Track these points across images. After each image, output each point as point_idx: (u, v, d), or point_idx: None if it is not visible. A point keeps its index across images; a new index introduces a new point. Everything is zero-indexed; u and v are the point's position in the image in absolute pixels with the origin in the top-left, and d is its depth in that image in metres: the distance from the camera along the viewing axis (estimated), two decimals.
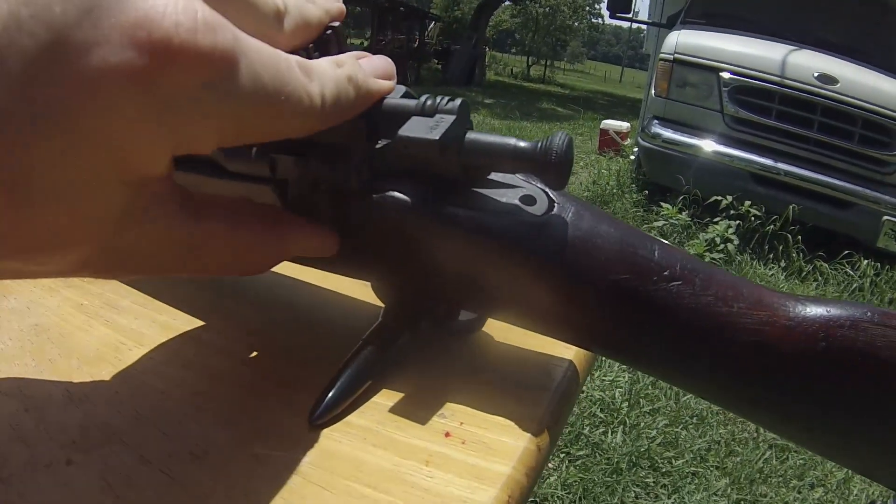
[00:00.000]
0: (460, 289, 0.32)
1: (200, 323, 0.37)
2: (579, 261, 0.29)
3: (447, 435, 0.29)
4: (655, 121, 4.18)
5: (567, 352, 0.37)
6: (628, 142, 5.90)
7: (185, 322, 0.37)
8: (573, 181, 5.35)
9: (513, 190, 0.31)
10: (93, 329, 0.36)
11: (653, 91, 4.29)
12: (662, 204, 4.01)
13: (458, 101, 0.29)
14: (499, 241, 0.29)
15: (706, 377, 0.29)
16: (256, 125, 0.23)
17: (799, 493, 1.91)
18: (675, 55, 4.05)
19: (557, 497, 1.76)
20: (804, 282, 3.54)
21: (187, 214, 0.24)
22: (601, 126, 6.60)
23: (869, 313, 0.27)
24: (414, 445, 0.28)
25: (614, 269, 0.29)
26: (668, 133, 4.07)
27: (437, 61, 16.00)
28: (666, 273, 0.28)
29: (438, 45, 16.90)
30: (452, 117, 0.28)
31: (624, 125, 6.44)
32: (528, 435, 0.30)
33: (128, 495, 0.25)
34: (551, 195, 0.31)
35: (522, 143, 0.28)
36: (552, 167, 0.27)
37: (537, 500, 1.75)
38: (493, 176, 0.31)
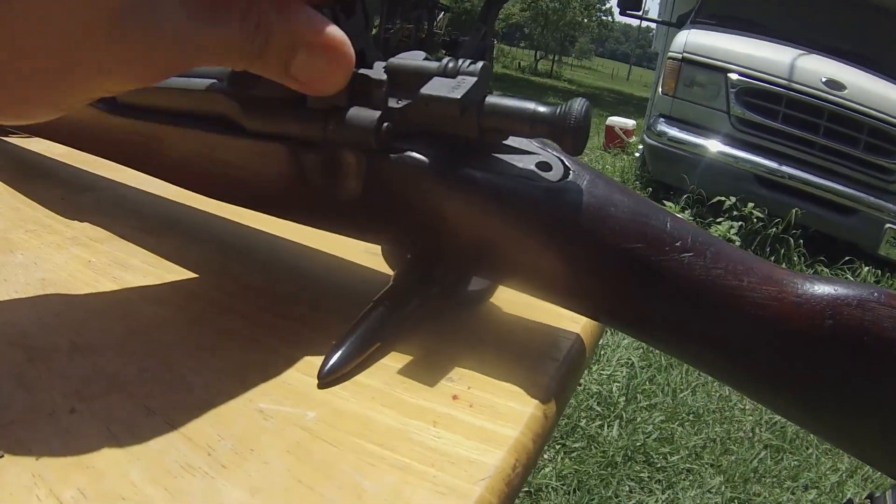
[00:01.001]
0: (474, 253, 0.32)
1: (209, 283, 0.37)
2: (593, 228, 0.29)
3: (455, 398, 0.29)
4: (662, 119, 4.18)
5: (574, 325, 0.37)
6: (633, 139, 5.90)
7: (193, 282, 0.37)
8: None
9: (529, 156, 0.31)
10: (100, 285, 0.35)
11: (660, 89, 4.28)
12: (666, 202, 4.01)
13: (479, 64, 0.29)
14: (514, 205, 0.29)
15: (714, 350, 0.29)
16: None
17: (793, 493, 1.91)
18: (684, 54, 4.04)
19: (552, 488, 1.76)
20: None
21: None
22: (607, 122, 6.59)
23: (876, 294, 0.27)
24: (422, 406, 0.28)
25: (627, 238, 0.28)
26: (673, 132, 4.07)
27: (445, 52, 15.98)
28: (678, 244, 0.28)
29: (447, 36, 16.87)
30: (474, 79, 0.28)
31: (630, 122, 6.44)
32: (536, 401, 0.30)
33: (131, 443, 0.24)
34: (567, 163, 0.31)
35: (542, 108, 0.28)
36: (570, 132, 0.27)
37: (532, 489, 1.76)
38: (511, 142, 0.31)
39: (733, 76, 3.87)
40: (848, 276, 3.55)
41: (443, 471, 0.25)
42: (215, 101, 0.33)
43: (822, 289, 0.27)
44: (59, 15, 0.19)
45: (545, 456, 1.90)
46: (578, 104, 0.27)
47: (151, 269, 0.38)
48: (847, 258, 3.61)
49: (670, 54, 4.16)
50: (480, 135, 0.29)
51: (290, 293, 0.37)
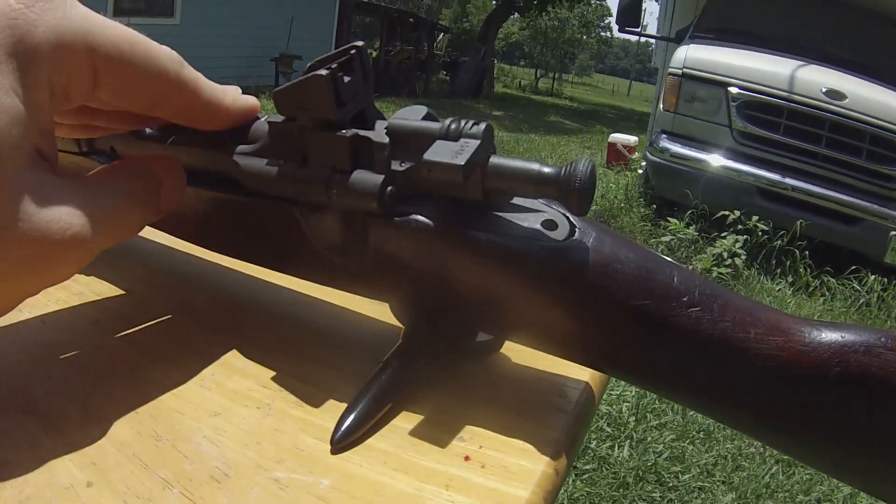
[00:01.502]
0: (480, 311, 0.32)
1: (218, 341, 0.37)
2: (600, 285, 0.29)
3: (467, 458, 0.29)
4: (664, 135, 4.19)
5: (583, 373, 0.37)
6: (636, 155, 5.91)
7: (202, 340, 0.37)
8: None
9: (535, 214, 0.31)
10: (108, 345, 0.36)
11: (661, 105, 4.30)
12: (670, 219, 4.01)
13: (482, 126, 0.29)
14: (520, 266, 0.29)
15: (722, 401, 0.29)
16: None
17: None
18: (684, 69, 4.06)
19: None
20: (811, 297, 3.54)
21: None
22: (609, 140, 6.61)
23: (883, 339, 0.27)
24: (434, 469, 0.28)
25: (634, 295, 0.29)
26: (676, 147, 4.08)
27: (445, 73, 16.08)
28: (685, 299, 0.29)
29: (447, 57, 16.99)
30: (477, 142, 0.28)
31: (632, 139, 6.45)
32: (546, 458, 0.30)
33: None
34: (573, 220, 0.31)
35: (546, 169, 0.28)
36: (575, 193, 0.27)
37: None
38: (516, 200, 0.32)
39: (734, 90, 3.89)
40: (854, 285, 3.54)
41: None
42: (218, 160, 0.34)
43: (829, 336, 0.28)
44: None
45: None
46: (583, 165, 0.27)
47: (160, 328, 0.38)
48: (853, 267, 3.61)
49: (670, 70, 4.18)
50: (485, 196, 0.29)
51: (300, 351, 0.37)
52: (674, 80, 4.12)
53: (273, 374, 0.34)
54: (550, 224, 0.30)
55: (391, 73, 12.26)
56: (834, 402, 0.27)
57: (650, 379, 0.31)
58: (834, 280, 3.60)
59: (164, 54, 0.28)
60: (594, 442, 2.08)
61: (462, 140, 0.29)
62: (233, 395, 0.32)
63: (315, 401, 0.32)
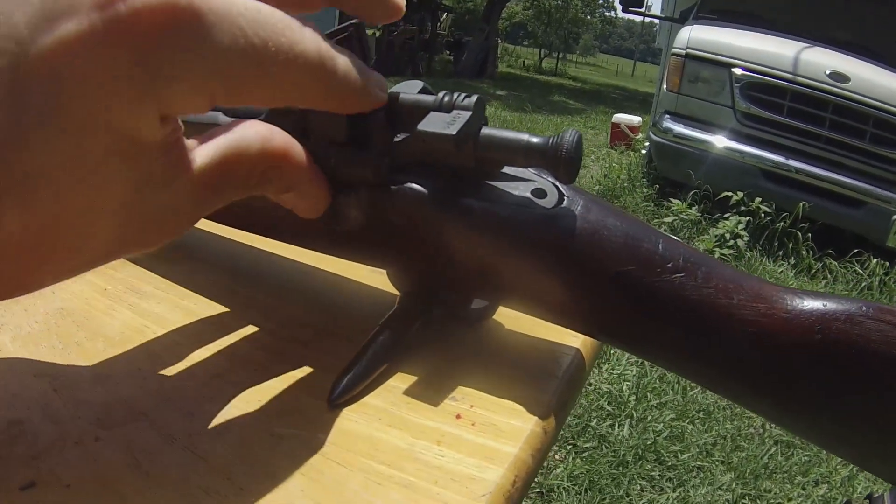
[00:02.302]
0: (473, 277, 0.33)
1: (221, 308, 0.38)
2: (587, 252, 0.30)
3: (458, 417, 0.30)
4: (667, 115, 4.18)
5: (574, 340, 0.38)
6: (640, 136, 5.89)
7: (206, 307, 0.38)
8: (584, 175, 5.35)
9: (525, 183, 0.32)
10: (116, 313, 0.37)
11: (665, 86, 4.28)
12: (673, 199, 4.01)
13: (474, 98, 0.30)
14: (510, 232, 0.31)
15: (707, 366, 0.30)
16: (246, 80, 0.22)
17: (803, 489, 1.91)
18: (688, 50, 4.04)
19: (563, 488, 1.78)
20: (813, 279, 3.54)
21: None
22: (613, 120, 6.59)
23: (864, 308, 0.28)
24: (426, 426, 0.30)
25: (620, 261, 0.30)
26: (679, 128, 4.08)
27: (448, 53, 15.99)
28: (670, 265, 0.30)
29: (450, 37, 16.89)
30: (469, 113, 0.30)
31: (636, 119, 6.43)
32: (535, 418, 0.31)
33: (155, 472, 0.26)
34: (561, 189, 0.32)
35: (534, 139, 0.29)
36: (562, 162, 0.28)
37: (543, 490, 1.77)
38: (507, 170, 0.33)
39: (737, 71, 3.87)
40: (857, 268, 3.54)
41: (446, 488, 0.26)
42: None
43: (812, 304, 0.28)
44: (82, 204, 0.21)
45: (556, 457, 1.91)
46: (570, 136, 0.29)
47: (165, 296, 0.39)
48: (855, 251, 3.60)
49: (674, 51, 4.16)
50: (477, 165, 0.31)
51: (300, 316, 0.38)
52: (677, 61, 4.11)
53: (274, 338, 0.36)
54: (540, 192, 0.31)
55: (395, 53, 12.19)
56: (816, 369, 0.28)
57: (638, 344, 0.32)
58: (836, 263, 3.60)
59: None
60: (594, 420, 2.10)
61: (455, 111, 0.30)
62: (234, 358, 0.34)
63: (314, 363, 0.34)
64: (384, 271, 0.38)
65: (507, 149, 0.29)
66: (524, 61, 22.13)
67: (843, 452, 0.31)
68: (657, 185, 4.50)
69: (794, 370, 0.28)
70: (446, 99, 0.31)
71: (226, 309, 0.38)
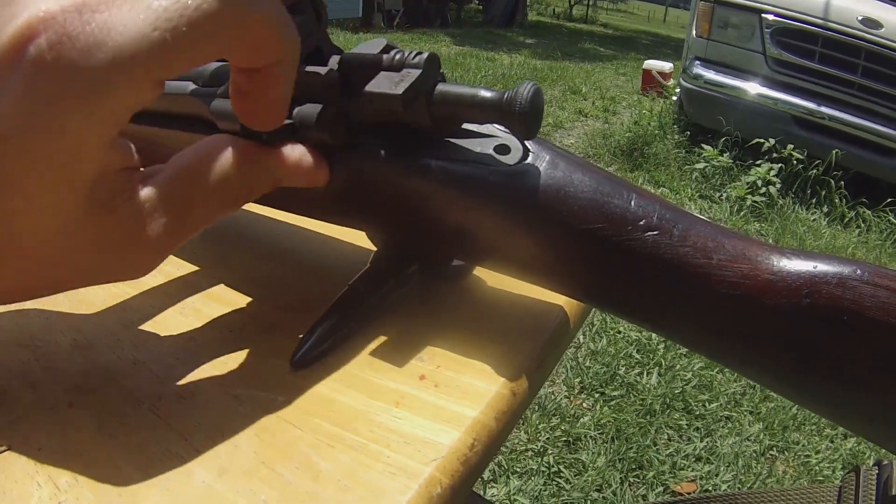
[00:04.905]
0: (442, 237, 0.33)
1: (201, 272, 0.39)
2: (552, 209, 0.29)
3: (422, 378, 0.30)
4: (697, 62, 4.10)
5: (559, 298, 0.37)
6: (671, 82, 5.78)
7: (185, 269, 0.39)
8: (615, 121, 5.27)
9: (489, 139, 0.31)
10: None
11: (694, 31, 4.18)
12: (704, 146, 3.95)
13: (424, 55, 0.30)
14: (470, 190, 0.30)
15: (692, 330, 0.29)
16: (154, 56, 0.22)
17: (832, 441, 1.90)
18: None
19: (591, 437, 1.79)
20: (846, 228, 3.48)
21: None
22: (644, 66, 6.46)
23: (859, 271, 0.26)
24: (387, 387, 0.30)
25: (588, 218, 0.29)
26: (710, 74, 4.00)
27: (477, 2, 15.71)
28: (641, 222, 0.28)
29: None
30: (418, 72, 0.29)
31: (667, 65, 6.30)
32: (503, 379, 0.30)
33: (119, 435, 0.27)
34: (527, 144, 0.31)
35: (487, 94, 0.28)
36: (517, 118, 0.28)
37: (570, 439, 1.78)
38: (471, 127, 0.32)
39: (768, 16, 3.77)
40: (891, 217, 3.47)
41: (397, 451, 0.26)
42: (192, 104, 0.35)
43: (801, 265, 0.27)
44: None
45: (584, 405, 1.92)
46: (525, 89, 0.28)
47: None
48: (889, 199, 3.52)
49: None
50: (435, 123, 0.30)
51: (281, 278, 0.39)
52: (706, 7, 4.00)
53: (250, 300, 0.36)
54: (503, 149, 0.31)
55: (423, 4, 12.03)
56: (804, 334, 0.26)
57: (617, 306, 0.31)
58: (869, 212, 3.53)
59: None
60: (623, 368, 2.11)
61: (404, 70, 0.29)
62: (209, 321, 0.34)
63: (285, 325, 0.34)
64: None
65: (461, 104, 0.29)
66: (554, 9, 21.67)
67: (844, 423, 0.29)
68: (688, 132, 4.42)
69: (780, 335, 0.27)
70: (397, 57, 0.30)
71: (202, 270, 0.39)
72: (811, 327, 0.26)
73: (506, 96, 0.28)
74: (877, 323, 0.25)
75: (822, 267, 0.27)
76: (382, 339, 0.33)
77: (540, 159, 0.30)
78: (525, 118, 0.28)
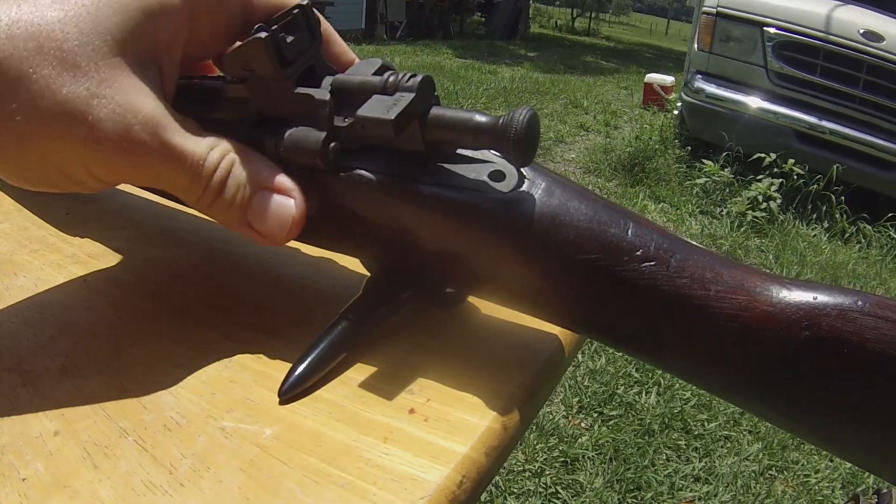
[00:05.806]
0: (435, 265, 0.33)
1: (193, 296, 0.39)
2: (547, 238, 0.28)
3: (411, 412, 0.30)
4: (699, 75, 4.12)
5: (554, 326, 0.36)
6: (672, 96, 5.79)
7: (176, 294, 0.39)
8: (616, 136, 5.28)
9: (483, 165, 0.31)
10: (94, 305, 0.37)
11: (696, 45, 4.20)
12: (705, 160, 3.95)
13: (418, 78, 0.29)
14: (464, 219, 0.29)
15: (685, 362, 0.29)
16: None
17: (831, 461, 1.89)
18: (719, 8, 3.97)
19: (589, 457, 1.78)
20: (847, 243, 3.47)
21: None
22: (645, 80, 6.48)
23: (860, 302, 0.26)
24: (376, 421, 0.29)
25: (584, 248, 0.28)
26: (711, 88, 4.02)
27: (480, 14, 15.75)
28: (638, 253, 0.28)
29: None
30: (412, 95, 0.28)
31: (668, 79, 6.32)
32: (494, 413, 0.30)
33: (104, 465, 0.27)
34: (522, 170, 0.30)
35: (482, 119, 0.28)
36: (512, 144, 0.27)
37: (568, 459, 1.77)
38: (467, 152, 0.31)
39: (770, 30, 3.79)
40: (891, 232, 3.46)
41: (383, 489, 0.26)
42: None
43: (800, 296, 0.26)
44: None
45: (582, 424, 1.91)
46: (520, 114, 0.27)
47: (141, 285, 0.40)
48: (890, 215, 3.52)
49: (704, 9, 4.08)
50: (429, 148, 0.30)
51: (271, 303, 0.38)
52: (708, 20, 4.02)
53: (240, 327, 0.36)
54: (498, 175, 0.30)
55: (425, 15, 12.06)
56: (803, 368, 0.26)
57: (612, 337, 0.30)
58: (870, 227, 3.53)
59: None
60: (621, 388, 2.10)
61: (398, 94, 0.29)
62: (198, 348, 0.34)
63: (275, 353, 0.34)
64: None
65: (455, 129, 0.28)
66: (556, 21, 21.73)
67: (843, 455, 0.29)
68: (689, 147, 4.43)
69: (779, 367, 0.26)
70: (391, 80, 0.29)
71: (196, 296, 0.39)
72: (811, 360, 0.26)
73: (500, 122, 0.27)
74: (878, 356, 0.25)
75: (822, 298, 0.26)
76: (372, 369, 0.33)
77: (535, 186, 0.30)
78: (520, 145, 0.27)
